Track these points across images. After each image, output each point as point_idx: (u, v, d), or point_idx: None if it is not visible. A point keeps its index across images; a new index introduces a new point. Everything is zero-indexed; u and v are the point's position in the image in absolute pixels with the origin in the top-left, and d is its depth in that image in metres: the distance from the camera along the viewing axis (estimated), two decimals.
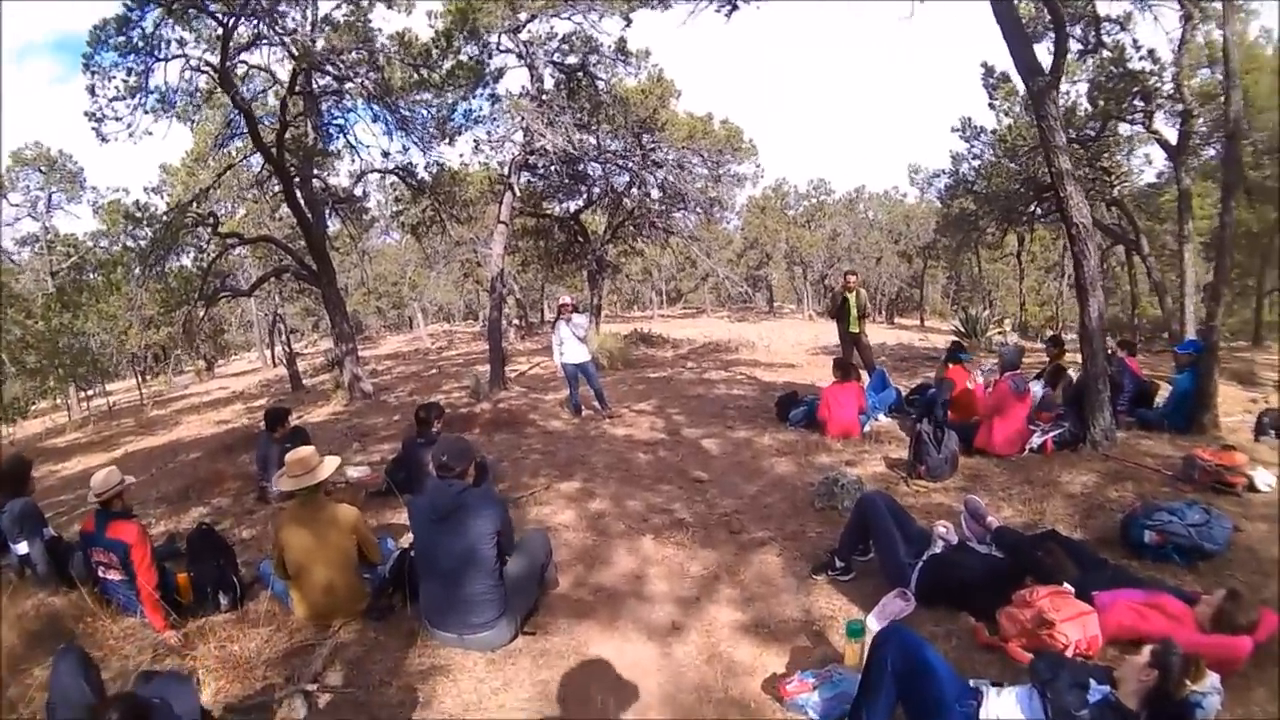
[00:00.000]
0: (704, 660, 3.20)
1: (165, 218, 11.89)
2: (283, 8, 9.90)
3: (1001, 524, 4.01)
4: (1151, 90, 13.31)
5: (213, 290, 13.30)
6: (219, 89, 10.27)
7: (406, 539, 4.29)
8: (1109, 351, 6.58)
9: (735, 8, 8.81)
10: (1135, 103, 13.76)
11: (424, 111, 11.62)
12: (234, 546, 4.37)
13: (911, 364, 11.85)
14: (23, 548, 4.16)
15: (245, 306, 27.69)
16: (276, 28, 9.96)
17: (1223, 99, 7.57)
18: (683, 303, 49.69)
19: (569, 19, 11.11)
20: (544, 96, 11.45)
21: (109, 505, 3.74)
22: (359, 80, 10.57)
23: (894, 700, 2.49)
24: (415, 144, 12.27)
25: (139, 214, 12.18)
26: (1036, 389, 6.34)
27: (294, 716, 2.86)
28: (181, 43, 9.66)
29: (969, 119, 17.61)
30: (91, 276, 17.04)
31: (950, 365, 7.05)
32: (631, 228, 18.38)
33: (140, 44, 9.21)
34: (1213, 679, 2.47)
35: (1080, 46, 13.74)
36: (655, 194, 16.31)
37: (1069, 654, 2.84)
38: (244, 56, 10.47)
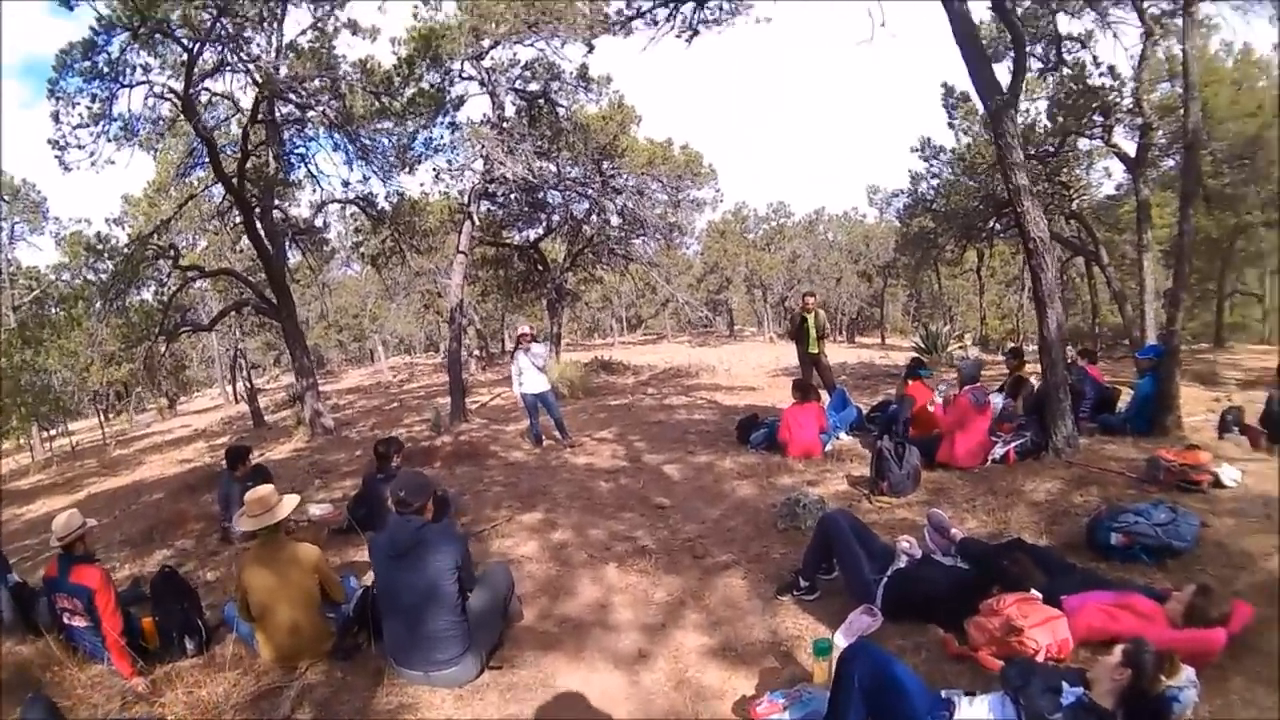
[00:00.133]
0: (673, 686, 3.16)
1: (126, 250, 11.70)
2: (248, 34, 9.84)
3: (966, 535, 4.04)
4: (1111, 105, 13.62)
5: (174, 325, 13.03)
6: (182, 117, 10.17)
7: (369, 577, 4.18)
8: (1070, 360, 6.69)
9: (696, 33, 8.97)
10: (1095, 118, 14.03)
11: (384, 140, 11.59)
12: (198, 589, 4.32)
13: (872, 381, 11.97)
14: None
15: (206, 341, 27.17)
16: (241, 54, 9.91)
17: (1182, 111, 7.77)
18: (643, 329, 49.10)
19: (532, 45, 11.17)
20: (505, 124, 11.45)
21: (71, 549, 3.70)
22: (320, 108, 10.54)
23: (864, 716, 2.47)
24: (375, 173, 12.22)
25: (100, 246, 12.00)
26: (997, 401, 6.41)
27: None
28: (146, 68, 9.61)
29: (928, 139, 17.92)
30: (53, 311, 16.53)
31: (910, 381, 7.09)
32: (591, 255, 18.41)
33: (105, 69, 9.13)
34: (1188, 673, 2.49)
35: (1041, 64, 14.11)
36: (615, 220, 16.33)
37: (1040, 659, 2.84)
38: (208, 83, 10.40)
